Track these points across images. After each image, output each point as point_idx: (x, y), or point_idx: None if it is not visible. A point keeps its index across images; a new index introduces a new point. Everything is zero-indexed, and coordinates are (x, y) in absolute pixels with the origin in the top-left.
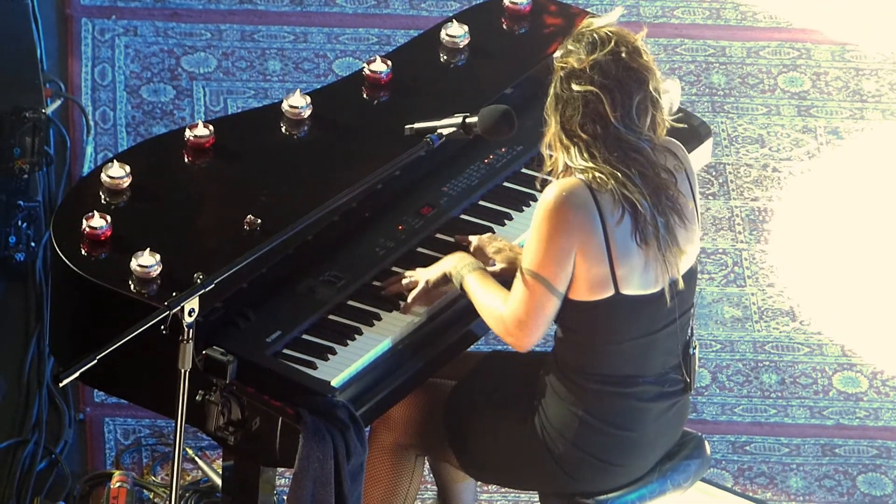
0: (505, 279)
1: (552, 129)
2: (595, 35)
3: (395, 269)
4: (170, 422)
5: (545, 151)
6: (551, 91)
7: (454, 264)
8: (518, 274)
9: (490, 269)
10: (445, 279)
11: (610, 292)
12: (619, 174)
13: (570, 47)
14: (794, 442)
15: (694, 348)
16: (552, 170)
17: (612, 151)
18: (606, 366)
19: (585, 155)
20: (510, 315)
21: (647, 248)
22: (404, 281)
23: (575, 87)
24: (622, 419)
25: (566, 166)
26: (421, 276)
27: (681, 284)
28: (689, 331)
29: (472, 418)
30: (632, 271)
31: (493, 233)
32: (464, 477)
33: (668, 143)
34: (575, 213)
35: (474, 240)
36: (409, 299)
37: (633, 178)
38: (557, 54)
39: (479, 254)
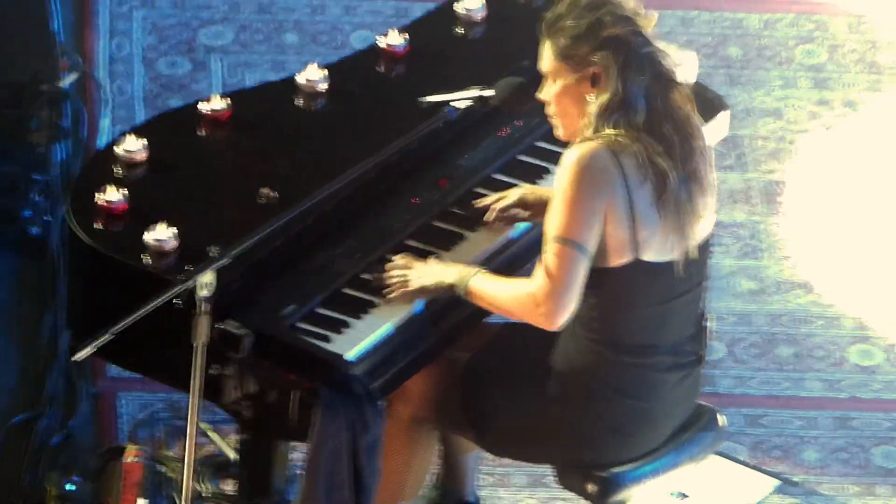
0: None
1: (605, 98)
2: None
3: (409, 242)
4: (184, 396)
5: (553, 115)
6: (611, 59)
7: (457, 273)
8: (544, 247)
9: (521, 214)
10: (447, 289)
11: (630, 258)
12: (650, 140)
13: (616, 11)
14: (809, 415)
15: (706, 320)
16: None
17: (665, 115)
18: (624, 334)
19: (628, 122)
20: (539, 288)
21: (667, 215)
22: (392, 280)
23: (643, 49)
24: (638, 389)
25: (582, 133)
26: (413, 281)
27: (695, 254)
28: (703, 303)
29: (488, 391)
30: (652, 236)
31: None
32: (470, 447)
33: (689, 113)
34: (600, 174)
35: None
36: (391, 296)
37: (671, 150)
38: (604, 19)
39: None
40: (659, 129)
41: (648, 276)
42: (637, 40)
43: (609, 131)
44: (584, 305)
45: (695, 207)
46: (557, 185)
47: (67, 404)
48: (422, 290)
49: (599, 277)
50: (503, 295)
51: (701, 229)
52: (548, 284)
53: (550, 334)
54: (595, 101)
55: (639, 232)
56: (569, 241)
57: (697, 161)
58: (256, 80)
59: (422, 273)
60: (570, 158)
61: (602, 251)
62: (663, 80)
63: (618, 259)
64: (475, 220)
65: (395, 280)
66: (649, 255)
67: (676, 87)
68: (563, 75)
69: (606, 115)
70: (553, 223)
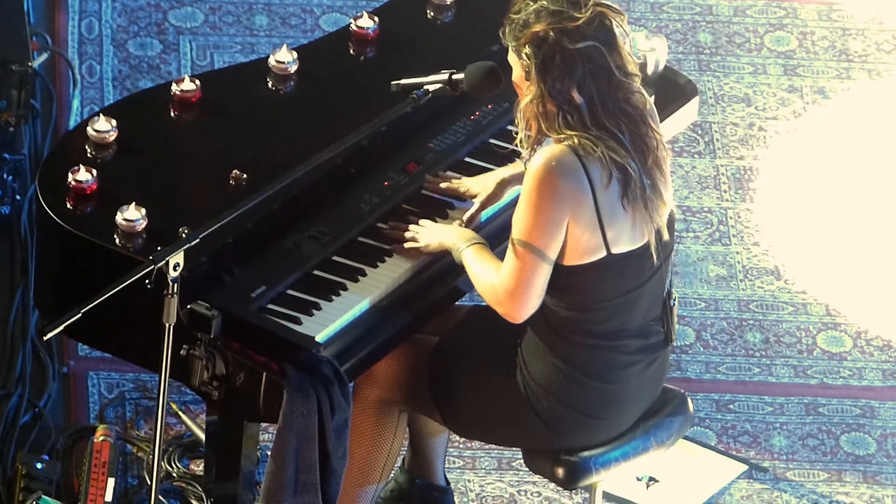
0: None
1: (533, 96)
2: None
3: (380, 225)
4: (154, 376)
5: (521, 122)
6: (531, 58)
7: (455, 240)
8: (509, 245)
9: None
10: (444, 251)
11: (602, 254)
12: (609, 140)
13: (549, 7)
14: (778, 401)
15: (673, 300)
16: (528, 139)
17: (607, 110)
18: (595, 322)
19: (571, 120)
20: (501, 286)
21: (635, 206)
22: (407, 234)
23: (572, 45)
24: (605, 372)
25: (541, 137)
26: (422, 239)
27: (665, 235)
28: (669, 281)
29: (456, 374)
30: (621, 232)
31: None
32: (438, 430)
33: (642, 103)
34: (565, 182)
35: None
36: (403, 247)
37: (623, 141)
38: (528, 19)
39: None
40: (606, 124)
41: (619, 265)
42: (562, 38)
43: (569, 132)
44: (555, 299)
45: (660, 195)
46: (524, 188)
47: (37, 384)
48: (427, 247)
49: (570, 275)
50: (477, 279)
51: (665, 211)
52: (508, 284)
53: None
54: (526, 97)
55: (608, 231)
56: (529, 246)
57: (659, 149)
58: (226, 62)
59: (430, 232)
60: (537, 163)
61: (573, 252)
62: (603, 74)
63: (588, 257)
64: (445, 203)
65: (408, 234)
66: (620, 247)
67: (623, 80)
68: (514, 65)
69: (574, 112)
70: (517, 225)
